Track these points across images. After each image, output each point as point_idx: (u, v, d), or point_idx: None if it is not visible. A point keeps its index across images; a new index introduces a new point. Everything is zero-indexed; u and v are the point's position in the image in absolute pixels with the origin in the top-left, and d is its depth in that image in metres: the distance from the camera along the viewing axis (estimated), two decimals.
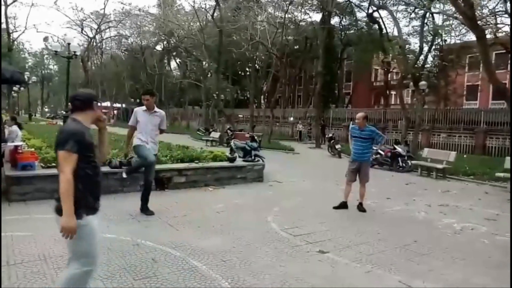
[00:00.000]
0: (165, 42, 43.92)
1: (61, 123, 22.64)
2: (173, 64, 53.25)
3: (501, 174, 9.86)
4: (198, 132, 27.88)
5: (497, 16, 22.07)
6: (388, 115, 27.45)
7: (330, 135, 19.88)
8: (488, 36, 21.51)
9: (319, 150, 20.81)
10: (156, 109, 5.85)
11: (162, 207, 6.14)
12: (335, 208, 6.64)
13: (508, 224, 6.08)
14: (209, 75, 34.78)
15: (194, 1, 39.66)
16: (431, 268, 4.11)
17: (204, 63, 34.54)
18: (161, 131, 5.92)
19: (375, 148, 7.18)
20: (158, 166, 7.41)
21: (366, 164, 6.69)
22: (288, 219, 5.83)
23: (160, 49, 47.61)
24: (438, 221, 6.16)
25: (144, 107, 5.80)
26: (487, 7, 21.66)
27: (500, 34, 22.28)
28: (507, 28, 22.19)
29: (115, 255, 4.04)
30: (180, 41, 34.97)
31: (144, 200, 5.84)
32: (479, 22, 19.02)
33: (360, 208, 6.61)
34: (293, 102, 47.38)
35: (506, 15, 21.67)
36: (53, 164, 6.67)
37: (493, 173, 10.37)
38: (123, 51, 50.86)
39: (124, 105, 57.06)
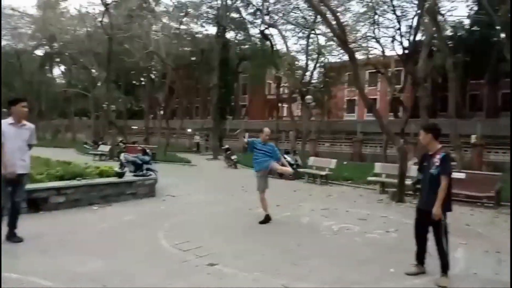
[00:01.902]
0: (46, 47, 39.67)
1: None
2: (57, 71, 48.32)
3: (372, 178, 11.23)
4: (85, 146, 25.64)
5: (368, 40, 25.37)
6: (281, 127, 29.15)
7: (226, 146, 20.22)
8: (361, 57, 24.64)
9: (217, 161, 20.99)
10: (24, 121, 5.17)
11: (35, 232, 5.44)
12: (261, 223, 6.51)
13: (376, 222, 6.93)
14: (98, 84, 32.43)
15: (80, 5, 36.78)
16: (311, 269, 4.43)
17: (93, 71, 32.16)
18: (30, 147, 5.26)
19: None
20: (31, 186, 6.60)
21: (265, 170, 6.87)
22: (179, 234, 5.70)
23: (41, 54, 42.82)
24: (319, 224, 6.70)
25: (10, 120, 5.05)
26: (360, 31, 24.74)
27: (371, 56, 25.68)
28: (376, 51, 25.67)
29: None
30: (65, 46, 32.00)
31: (11, 225, 5.10)
32: (353, 44, 21.66)
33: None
34: (190, 114, 47.05)
35: (375, 40, 25.08)
36: None
37: (366, 177, 11.74)
38: None
39: None
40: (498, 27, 19.85)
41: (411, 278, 4.18)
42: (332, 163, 12.69)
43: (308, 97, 20.96)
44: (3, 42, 40.16)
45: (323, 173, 12.29)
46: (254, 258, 4.76)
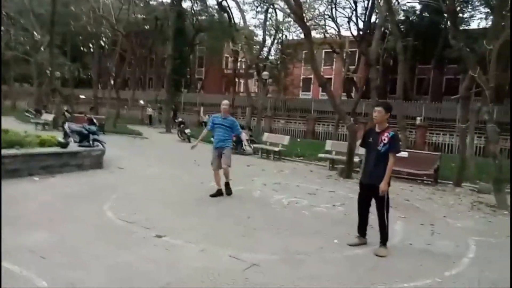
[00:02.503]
0: None
1: None
2: None
3: (323, 155, 11.57)
4: (26, 114, 23.88)
5: (325, 19, 25.58)
6: (237, 102, 28.94)
7: (180, 119, 19.78)
8: (318, 36, 24.85)
9: (169, 135, 20.50)
10: None
11: None
12: (212, 196, 6.51)
13: (324, 196, 7.19)
14: (42, 49, 30.02)
15: None
16: (258, 240, 4.52)
17: (35, 34, 29.59)
18: None
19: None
20: None
21: (228, 148, 6.85)
22: (126, 207, 5.55)
23: None
24: (270, 197, 6.83)
25: None
26: (318, 10, 24.84)
27: (327, 35, 25.96)
28: (333, 31, 25.99)
29: None
30: (1, 5, 29.00)
31: None
32: (310, 22, 21.74)
33: (227, 189, 6.72)
34: (143, 85, 45.22)
35: (331, 19, 25.35)
36: None
37: (317, 154, 12.07)
38: None
39: None
40: (445, 14, 20.82)
41: (353, 249, 4.41)
42: (286, 139, 12.89)
43: (265, 73, 20.91)
44: None
45: (277, 149, 12.47)
46: (204, 230, 4.77)
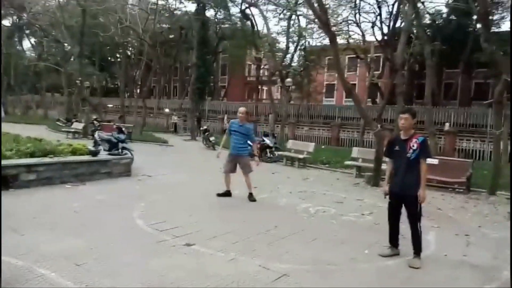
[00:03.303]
0: (15, 17, 37.59)
1: None
2: (27, 43, 46.00)
3: (349, 162, 11.39)
4: (57, 123, 24.78)
5: (349, 24, 25.38)
6: (260, 109, 29.02)
7: (205, 127, 20.00)
8: (341, 41, 24.65)
9: (194, 142, 20.76)
10: None
11: (4, 210, 5.22)
12: (219, 195, 6.84)
13: (352, 205, 7.07)
14: (71, 59, 31.16)
15: None
16: (287, 250, 4.47)
17: (65, 45, 30.79)
18: None
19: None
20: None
21: (245, 157, 6.90)
22: (155, 214, 5.62)
23: (9, 24, 40.56)
24: (297, 206, 6.76)
25: None
26: (341, 15, 24.69)
27: (351, 41, 25.74)
28: (357, 36, 25.77)
29: None
30: (35, 17, 30.41)
31: None
32: (334, 28, 21.60)
33: (251, 198, 6.83)
34: (168, 93, 46.10)
35: (355, 25, 25.12)
36: None
37: (343, 161, 11.90)
38: None
39: None
40: (474, 17, 20.23)
41: (384, 259, 4.29)
42: (310, 146, 12.79)
43: (288, 80, 20.86)
44: None
45: (301, 156, 12.38)
46: (231, 238, 4.76)
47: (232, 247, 4.42)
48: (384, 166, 9.42)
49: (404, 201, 4.26)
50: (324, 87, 37.78)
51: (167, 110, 31.03)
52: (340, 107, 27.12)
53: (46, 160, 7.22)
